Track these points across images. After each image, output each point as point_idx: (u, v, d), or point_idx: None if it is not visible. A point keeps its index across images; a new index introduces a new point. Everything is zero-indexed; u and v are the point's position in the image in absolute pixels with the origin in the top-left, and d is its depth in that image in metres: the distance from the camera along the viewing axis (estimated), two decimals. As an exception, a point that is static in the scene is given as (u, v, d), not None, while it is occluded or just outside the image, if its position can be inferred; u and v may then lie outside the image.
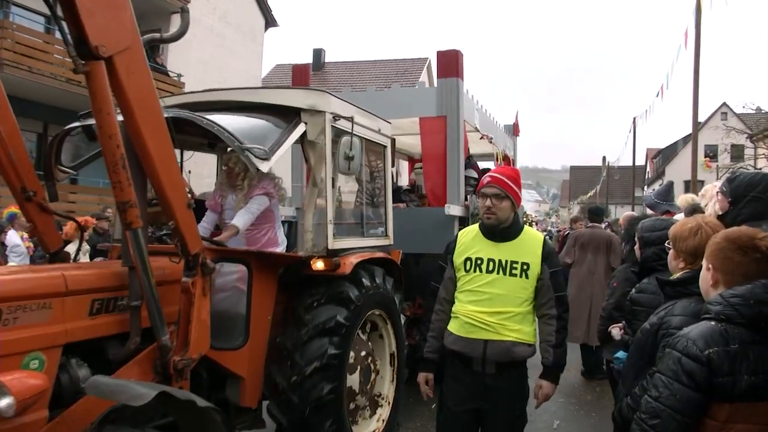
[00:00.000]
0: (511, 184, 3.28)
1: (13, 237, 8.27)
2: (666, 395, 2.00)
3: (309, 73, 7.36)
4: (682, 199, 5.70)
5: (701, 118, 39.86)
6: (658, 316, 2.49)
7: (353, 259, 4.27)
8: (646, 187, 52.44)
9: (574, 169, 76.11)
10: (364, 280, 4.37)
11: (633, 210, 36.35)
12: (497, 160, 9.26)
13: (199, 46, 19.50)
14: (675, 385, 1.98)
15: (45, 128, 14.87)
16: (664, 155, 51.13)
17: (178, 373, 3.26)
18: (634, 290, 3.54)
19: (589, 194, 53.35)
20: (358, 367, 4.38)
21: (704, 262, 2.26)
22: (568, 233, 11.99)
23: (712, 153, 41.26)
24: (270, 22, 25.80)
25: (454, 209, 6.36)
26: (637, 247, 3.56)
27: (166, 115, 3.17)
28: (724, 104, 44.50)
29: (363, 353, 4.48)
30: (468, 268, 3.30)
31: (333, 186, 4.26)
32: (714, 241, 2.23)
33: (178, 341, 3.36)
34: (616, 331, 3.71)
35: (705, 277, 2.25)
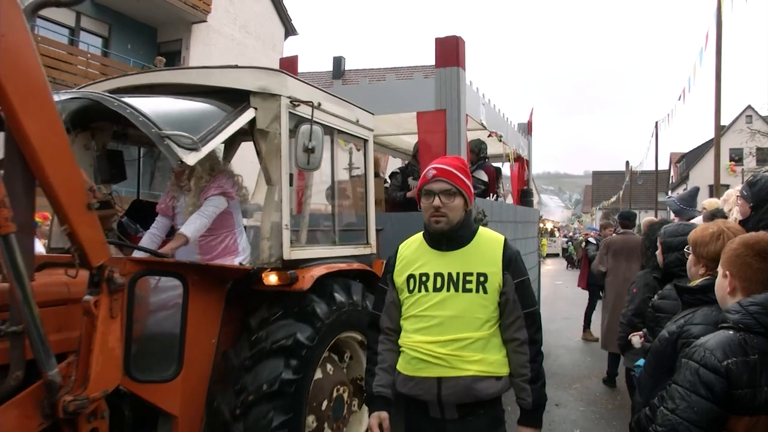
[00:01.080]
0: (462, 177, 2.47)
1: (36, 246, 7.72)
2: (683, 407, 1.89)
3: (297, 66, 6.61)
4: (707, 203, 5.32)
5: (726, 122, 38.67)
6: (677, 325, 2.35)
7: (317, 272, 3.47)
8: (670, 192, 50.95)
9: (596, 175, 74.32)
10: (336, 295, 3.58)
11: (657, 215, 35.38)
12: (509, 160, 8.39)
13: (220, 54, 19.11)
14: (693, 397, 1.88)
15: (109, 32, 14.97)
16: (688, 159, 49.42)
17: (70, 417, 2.50)
18: (656, 296, 3.31)
19: (612, 199, 52.13)
20: (326, 400, 3.57)
21: (720, 269, 2.15)
22: (592, 240, 11.32)
23: (737, 157, 39.96)
24: (290, 30, 25.40)
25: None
26: (659, 252, 3.40)
27: (68, 96, 2.42)
28: (749, 107, 42.87)
29: (334, 383, 3.68)
30: (411, 287, 2.48)
31: (291, 184, 3.48)
32: (731, 247, 2.10)
33: (77, 375, 2.60)
34: (636, 339, 3.51)
35: (722, 285, 2.13)
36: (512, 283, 2.41)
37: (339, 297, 3.57)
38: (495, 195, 6.98)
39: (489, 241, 2.51)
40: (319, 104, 3.69)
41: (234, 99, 3.33)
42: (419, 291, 2.47)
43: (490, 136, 7.22)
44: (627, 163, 48.97)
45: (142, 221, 4.31)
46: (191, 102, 3.26)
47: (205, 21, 16.08)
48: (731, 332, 1.92)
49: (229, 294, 3.40)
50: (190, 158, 2.81)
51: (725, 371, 1.83)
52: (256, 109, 3.32)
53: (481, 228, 2.58)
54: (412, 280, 2.50)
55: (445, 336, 2.37)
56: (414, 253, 2.57)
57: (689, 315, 2.36)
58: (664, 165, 48.48)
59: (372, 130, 4.60)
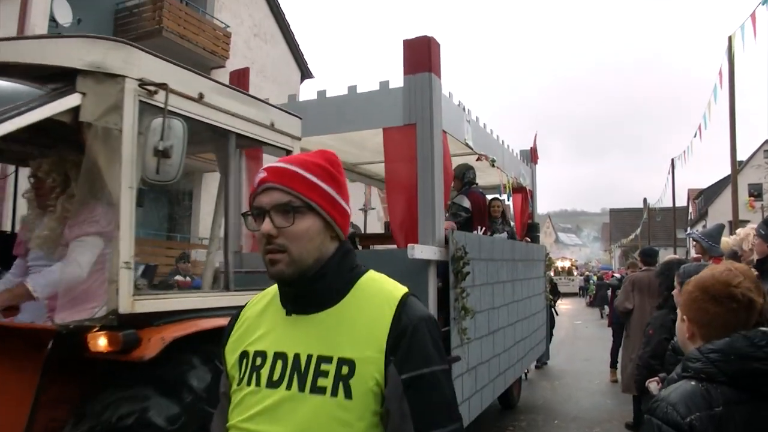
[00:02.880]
0: (315, 180, 1.30)
1: None
2: None
3: (248, 79, 5.53)
4: (724, 242, 5.13)
5: (743, 157, 37.04)
6: (668, 379, 2.01)
7: (170, 334, 2.26)
8: (689, 228, 49.07)
9: (614, 212, 72.22)
10: (191, 375, 2.36)
11: (675, 252, 33.76)
12: (506, 190, 7.16)
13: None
14: None
15: None
16: (707, 195, 47.49)
17: None
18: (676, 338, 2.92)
19: (631, 237, 50.26)
20: None
21: (678, 312, 2.00)
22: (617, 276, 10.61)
23: (756, 192, 38.14)
24: (306, 74, 24.85)
25: (424, 251, 4.31)
26: (676, 291, 3.26)
27: None
28: (767, 142, 41.09)
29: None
30: (242, 375, 1.32)
31: (139, 204, 2.30)
32: (686, 290, 1.92)
33: None
34: (653, 386, 3.23)
35: (681, 329, 1.96)
36: (399, 381, 1.20)
37: (192, 379, 2.34)
38: (483, 228, 5.73)
39: (372, 300, 1.31)
40: (202, 96, 2.56)
41: (49, 78, 2.21)
42: (248, 383, 1.29)
43: (478, 159, 6.02)
44: (644, 200, 47.14)
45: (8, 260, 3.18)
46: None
47: (223, 66, 15.62)
48: (693, 383, 1.74)
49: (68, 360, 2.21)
50: None
51: (689, 428, 1.63)
52: (83, 94, 2.19)
53: (367, 276, 1.38)
54: (244, 363, 1.33)
55: None
56: (259, 316, 1.40)
57: (679, 369, 2.08)
58: (682, 201, 46.55)
59: (299, 139, 3.44)
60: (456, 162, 5.93)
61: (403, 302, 1.29)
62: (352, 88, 5.07)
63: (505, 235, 7.43)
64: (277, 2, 19.17)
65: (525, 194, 8.58)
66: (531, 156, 8.90)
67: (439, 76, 4.79)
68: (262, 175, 1.29)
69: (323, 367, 1.21)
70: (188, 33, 14.54)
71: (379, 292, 1.32)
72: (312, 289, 1.29)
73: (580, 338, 16.00)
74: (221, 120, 2.71)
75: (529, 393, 8.49)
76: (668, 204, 36.38)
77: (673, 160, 31.06)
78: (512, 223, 8.64)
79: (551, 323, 10.00)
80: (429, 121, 4.60)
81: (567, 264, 43.98)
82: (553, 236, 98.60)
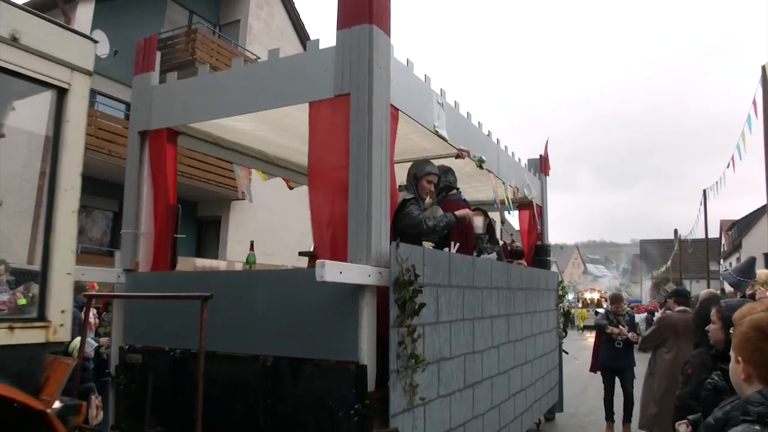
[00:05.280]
0: None
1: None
2: None
3: (155, 46, 4.16)
4: (760, 273, 4.75)
5: (780, 186, 34.46)
6: (724, 411, 2.09)
7: None
8: (722, 261, 46.02)
9: (644, 243, 68.90)
10: None
11: (708, 285, 31.41)
12: (504, 203, 5.59)
13: (257, 222, 17.53)
14: None
15: (120, 207, 13.50)
16: (740, 227, 44.45)
17: None
18: (716, 376, 2.87)
19: (662, 269, 47.52)
20: None
21: (732, 353, 1.85)
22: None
23: (793, 223, 35.25)
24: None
25: (347, 272, 2.80)
26: (715, 327, 3.07)
27: None
28: (804, 172, 38.26)
29: None
30: None
31: None
32: (740, 330, 1.82)
33: None
34: (683, 429, 2.99)
35: (735, 371, 1.81)
36: None
37: None
38: (457, 244, 4.14)
39: None
40: None
41: None
42: None
43: (458, 157, 4.50)
44: (675, 231, 44.52)
45: None
46: None
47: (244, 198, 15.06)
48: (758, 427, 1.62)
49: None
50: None
51: None
52: None
53: None
54: None
55: None
56: None
57: (738, 401, 1.95)
58: (714, 233, 43.68)
59: (89, 74, 2.00)
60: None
61: None
62: (273, 53, 3.64)
63: (494, 255, 5.84)
64: (308, 35, 18.37)
65: (532, 211, 6.99)
66: (541, 165, 7.32)
67: (388, 32, 3.33)
68: None
69: None
70: (220, 64, 14.10)
71: None
72: None
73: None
74: None
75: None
76: (700, 235, 34.34)
77: (705, 190, 29.21)
78: (519, 244, 7.05)
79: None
80: (367, 89, 3.12)
81: (596, 296, 41.49)
82: (581, 267, 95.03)
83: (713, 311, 3.16)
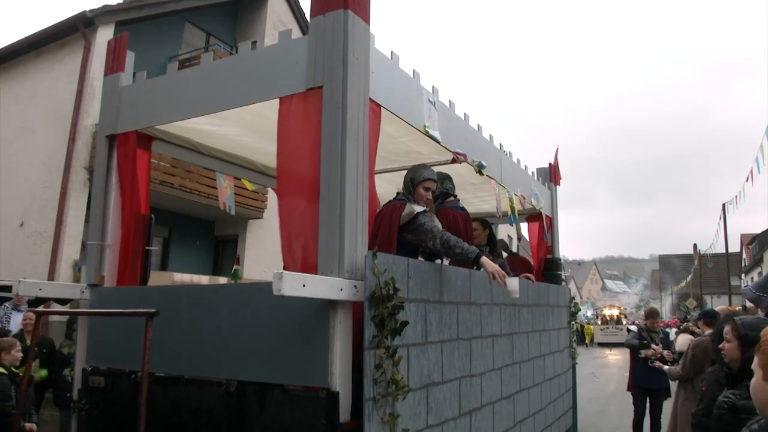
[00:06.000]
0: None
1: None
2: None
3: (125, 47, 3.83)
4: None
5: (802, 199, 33.42)
6: (751, 430, 1.78)
7: None
8: (743, 275, 44.78)
9: (663, 258, 67.45)
10: None
11: (730, 300, 30.43)
12: (508, 213, 5.16)
13: (275, 243, 17.20)
14: None
15: (170, 233, 13.91)
16: (761, 241, 43.15)
17: None
18: (733, 395, 2.68)
19: (682, 284, 46.33)
20: None
21: (759, 369, 1.61)
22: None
23: (816, 237, 34.20)
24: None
25: (311, 285, 2.40)
26: (734, 345, 2.88)
27: None
28: (826, 185, 37.15)
29: None
30: None
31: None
32: (765, 340, 1.61)
33: None
34: None
35: (762, 389, 1.59)
36: None
37: None
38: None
39: None
40: None
41: None
42: None
43: (453, 161, 4.10)
44: (695, 246, 43.38)
45: None
46: None
47: (261, 218, 14.97)
48: None
49: None
50: None
51: None
52: None
53: None
54: None
55: None
56: None
57: (764, 421, 1.73)
58: (735, 247, 42.51)
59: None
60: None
61: None
62: (244, 46, 3.29)
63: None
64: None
65: (542, 222, 6.54)
66: (550, 175, 6.87)
67: (366, 19, 2.97)
68: None
69: None
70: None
71: None
72: None
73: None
74: None
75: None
76: (720, 250, 33.47)
77: (724, 205, 28.53)
78: (531, 261, 6.60)
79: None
80: (341, 80, 2.75)
81: (615, 312, 40.40)
82: (599, 283, 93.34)
83: (727, 329, 3.00)
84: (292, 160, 2.86)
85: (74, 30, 11.24)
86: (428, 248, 3.37)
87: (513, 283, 3.23)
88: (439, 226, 3.55)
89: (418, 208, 3.40)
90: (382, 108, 3.12)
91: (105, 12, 11.22)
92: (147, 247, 3.80)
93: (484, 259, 3.25)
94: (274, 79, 3.03)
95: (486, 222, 5.02)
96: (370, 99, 2.94)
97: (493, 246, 4.98)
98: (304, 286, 2.34)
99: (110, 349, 3.49)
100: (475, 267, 3.37)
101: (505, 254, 5.55)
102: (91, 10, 11.07)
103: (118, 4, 12.02)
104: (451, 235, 3.31)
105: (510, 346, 4.39)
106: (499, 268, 3.27)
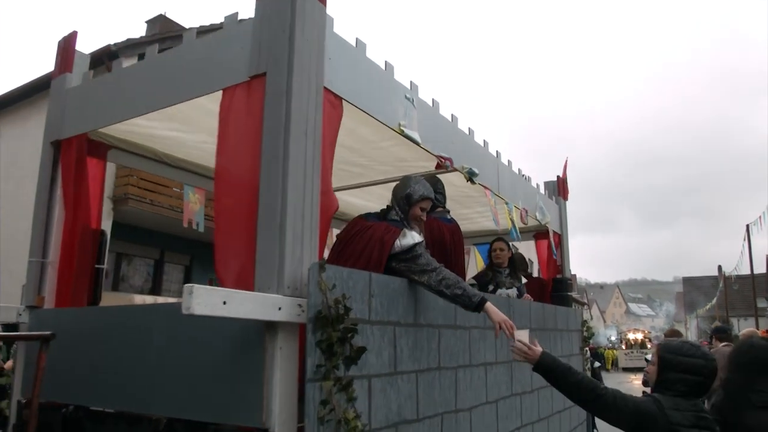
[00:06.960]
0: None
1: None
2: None
3: (74, 46, 3.46)
4: None
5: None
6: None
7: None
8: (771, 297, 43.09)
9: (687, 280, 65.35)
10: None
11: (757, 323, 29.18)
12: (507, 227, 4.64)
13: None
14: None
15: (162, 254, 13.51)
16: (788, 262, 41.57)
17: None
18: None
19: (707, 306, 44.68)
20: None
21: None
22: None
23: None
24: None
25: (239, 303, 1.93)
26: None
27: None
28: None
29: None
30: None
31: None
32: None
33: None
34: None
35: None
36: None
37: None
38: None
39: None
40: None
41: None
42: None
43: (438, 167, 3.62)
44: (719, 267, 41.91)
45: None
46: None
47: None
48: None
49: None
50: None
51: None
52: None
53: None
54: None
55: None
56: None
57: None
58: (760, 268, 40.88)
59: None
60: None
61: None
62: (189, 34, 2.89)
63: (513, 291, 4.86)
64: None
65: (549, 240, 5.99)
66: (559, 189, 6.34)
67: (323, 2, 2.55)
68: None
69: None
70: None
71: None
72: None
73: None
74: None
75: None
76: (746, 271, 32.26)
77: (748, 225, 27.89)
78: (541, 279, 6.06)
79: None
80: (287, 65, 2.32)
81: (639, 336, 38.94)
82: (623, 307, 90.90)
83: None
84: (230, 159, 2.42)
85: (100, 63, 11.24)
86: (418, 284, 2.82)
87: (523, 336, 2.70)
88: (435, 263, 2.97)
89: (417, 238, 2.87)
90: (343, 101, 2.67)
91: (128, 45, 11.42)
92: (97, 266, 3.38)
93: (490, 306, 2.74)
94: (218, 69, 2.61)
95: (509, 244, 4.53)
96: (326, 89, 2.50)
97: (514, 269, 4.48)
98: (224, 303, 1.88)
99: (49, 379, 3.05)
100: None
101: (524, 279, 5.06)
102: (115, 44, 11.32)
103: (141, 37, 12.14)
104: (450, 272, 2.78)
105: (508, 376, 3.84)
106: (507, 319, 2.75)
